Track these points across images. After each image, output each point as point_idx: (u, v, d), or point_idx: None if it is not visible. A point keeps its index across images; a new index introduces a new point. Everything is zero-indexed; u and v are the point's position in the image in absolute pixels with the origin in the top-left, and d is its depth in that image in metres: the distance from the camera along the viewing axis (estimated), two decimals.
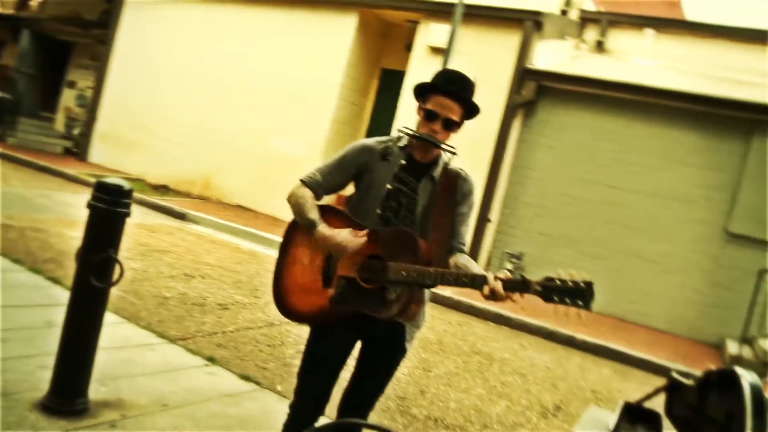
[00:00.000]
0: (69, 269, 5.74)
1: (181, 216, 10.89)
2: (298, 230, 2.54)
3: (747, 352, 7.76)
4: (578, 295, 2.11)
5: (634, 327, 9.16)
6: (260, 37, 13.28)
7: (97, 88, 15.96)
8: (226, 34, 13.81)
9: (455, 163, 2.54)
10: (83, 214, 3.16)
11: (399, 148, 2.53)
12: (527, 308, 8.59)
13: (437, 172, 2.51)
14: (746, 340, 8.10)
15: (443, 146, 2.44)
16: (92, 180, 12.16)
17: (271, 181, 12.34)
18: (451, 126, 2.43)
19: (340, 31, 12.40)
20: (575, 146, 10.31)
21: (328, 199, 2.66)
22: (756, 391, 2.31)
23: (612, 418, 3.19)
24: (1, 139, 16.34)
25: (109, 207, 3.06)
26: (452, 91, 2.40)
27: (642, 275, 9.48)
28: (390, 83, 12.86)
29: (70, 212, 8.69)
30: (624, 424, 3.09)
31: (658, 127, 9.78)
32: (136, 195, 11.71)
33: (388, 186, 2.48)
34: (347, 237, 2.35)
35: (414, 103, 2.55)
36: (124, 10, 15.70)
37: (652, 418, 3.19)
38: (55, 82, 18.68)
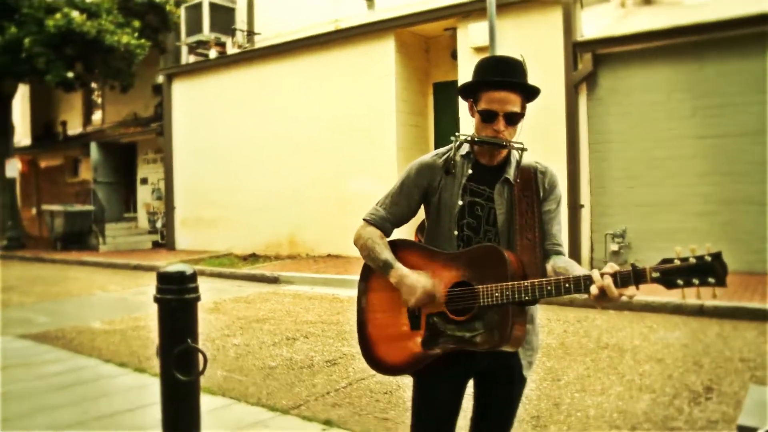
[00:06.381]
0: None
1: (274, 280, 10.89)
2: (373, 274, 2.31)
3: None
4: (706, 271, 1.77)
5: (764, 277, 8.41)
6: (307, 86, 13.32)
7: (168, 178, 16.44)
8: (272, 92, 13.94)
9: (528, 158, 2.23)
10: None
11: (462, 157, 2.24)
12: (644, 287, 8.02)
13: (511, 172, 2.20)
14: None
15: (510, 145, 2.14)
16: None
17: (355, 224, 12.19)
18: (515, 119, 2.12)
19: (382, 57, 12.27)
20: (649, 106, 9.70)
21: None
22: None
23: None
24: (96, 248, 17.06)
25: (177, 296, 2.92)
26: (503, 82, 2.10)
27: (757, 221, 8.71)
28: (445, 96, 12.61)
29: None
30: None
31: (733, 61, 9.05)
32: (227, 270, 11.93)
33: (460, 202, 2.20)
34: (426, 283, 2.10)
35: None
36: (174, 97, 16.16)
37: None
38: (129, 182, 19.49)
